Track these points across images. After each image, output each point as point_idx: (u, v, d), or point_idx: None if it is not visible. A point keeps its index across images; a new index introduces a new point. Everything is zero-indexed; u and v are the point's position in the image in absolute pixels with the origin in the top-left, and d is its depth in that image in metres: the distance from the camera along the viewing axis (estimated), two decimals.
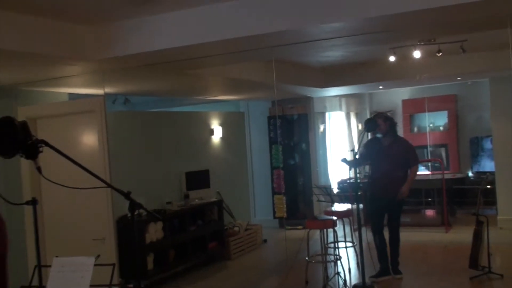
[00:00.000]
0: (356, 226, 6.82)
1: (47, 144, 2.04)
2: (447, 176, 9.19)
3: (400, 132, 11.02)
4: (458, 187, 9.76)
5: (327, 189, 7.14)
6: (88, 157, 5.12)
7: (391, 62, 7.25)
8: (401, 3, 3.60)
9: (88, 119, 5.36)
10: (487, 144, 10.15)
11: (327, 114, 11.01)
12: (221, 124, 8.88)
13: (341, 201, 7.24)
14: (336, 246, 6.46)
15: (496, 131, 8.95)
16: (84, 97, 6.68)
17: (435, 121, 11.20)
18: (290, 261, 6.72)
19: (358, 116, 11.97)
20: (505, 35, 4.71)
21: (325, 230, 6.22)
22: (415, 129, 11.38)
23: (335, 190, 9.36)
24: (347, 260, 6.73)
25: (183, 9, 4.28)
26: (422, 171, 10.72)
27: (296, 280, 6.38)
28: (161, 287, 6.59)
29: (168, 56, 4.79)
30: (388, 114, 11.13)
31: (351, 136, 11.69)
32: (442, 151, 10.98)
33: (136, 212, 2.40)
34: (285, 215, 9.57)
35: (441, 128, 11.17)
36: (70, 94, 6.69)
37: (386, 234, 6.18)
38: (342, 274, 6.06)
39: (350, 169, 5.74)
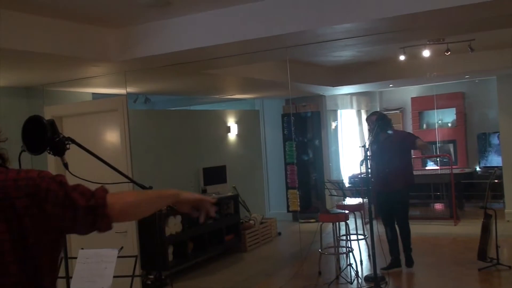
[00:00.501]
0: (367, 219, 6.99)
1: (73, 141, 2.06)
2: (456, 171, 9.31)
3: (409, 128, 11.20)
4: (466, 181, 9.88)
5: (339, 183, 7.31)
6: (110, 154, 5.24)
7: (401, 61, 7.39)
8: (411, 4, 3.68)
9: (111, 118, 5.49)
10: (495, 140, 10.28)
11: (338, 111, 11.16)
12: (237, 122, 9.09)
13: (353, 195, 7.39)
14: (348, 238, 6.61)
15: (503, 127, 9.07)
16: (107, 97, 6.88)
17: (444, 118, 11.33)
18: (304, 253, 6.90)
19: (369, 114, 12.10)
20: None
21: (337, 223, 6.41)
22: (424, 126, 11.52)
23: (347, 185, 9.52)
24: (358, 252, 6.89)
25: (200, 12, 4.42)
26: (431, 166, 10.88)
27: (309, 271, 6.55)
28: (180, 278, 6.81)
29: (186, 57, 4.92)
30: (398, 111, 11.36)
31: (362, 133, 11.85)
32: (451, 147, 11.10)
33: None
34: (298, 208, 9.77)
35: (450, 124, 11.30)
36: (93, 93, 6.91)
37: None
38: (354, 266, 6.20)
39: (361, 164, 5.81)
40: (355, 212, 7.09)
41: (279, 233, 9.13)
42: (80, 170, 2.16)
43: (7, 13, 3.86)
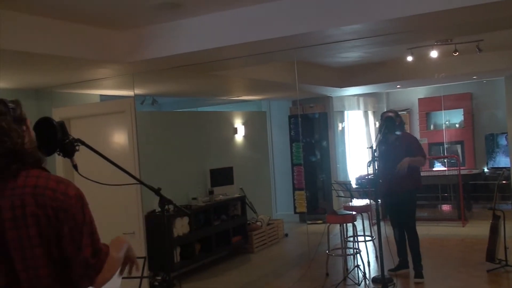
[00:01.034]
0: (374, 221, 6.97)
1: (83, 143, 2.07)
2: (463, 172, 9.28)
3: (417, 129, 11.17)
4: (474, 182, 9.85)
5: (347, 184, 7.30)
6: (118, 155, 5.20)
7: (409, 61, 7.37)
8: (419, 5, 3.68)
9: (118, 119, 5.48)
10: (502, 141, 10.24)
11: (345, 112, 11.16)
12: (244, 123, 9.10)
13: (360, 196, 7.38)
14: (356, 240, 6.61)
15: (511, 128, 9.02)
16: (114, 99, 6.91)
17: (451, 118, 11.29)
18: (311, 254, 6.90)
19: (376, 115, 12.11)
20: None
21: (344, 224, 6.41)
22: (431, 127, 11.49)
23: (354, 186, 9.51)
24: (366, 253, 6.88)
25: (207, 14, 4.43)
26: (439, 167, 10.84)
27: (317, 272, 6.55)
28: (187, 279, 6.82)
29: (194, 58, 4.94)
30: (405, 112, 11.32)
31: (369, 134, 11.84)
32: (458, 148, 11.07)
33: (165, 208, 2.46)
34: (305, 210, 9.77)
35: (457, 125, 11.27)
36: (101, 95, 6.95)
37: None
38: (361, 267, 6.18)
39: (369, 166, 5.76)
40: (362, 214, 7.08)
41: (286, 235, 9.14)
42: (88, 172, 2.17)
43: (16, 16, 3.89)
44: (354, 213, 6.43)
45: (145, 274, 3.93)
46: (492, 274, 5.98)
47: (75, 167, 2.09)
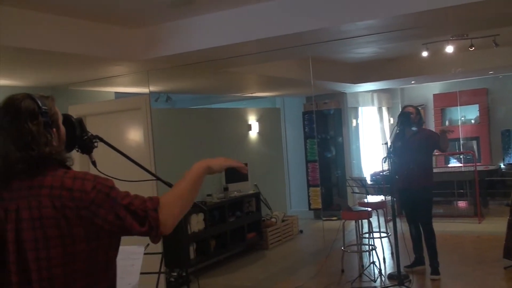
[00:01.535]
0: (389, 217, 6.94)
1: (101, 139, 2.07)
2: (479, 168, 9.20)
3: (432, 125, 11.08)
4: (490, 178, 9.74)
5: (362, 181, 7.27)
6: (134, 152, 5.15)
7: (424, 57, 7.33)
8: (434, 0, 3.66)
9: (134, 116, 5.52)
10: None
11: (359, 109, 11.12)
12: (258, 120, 9.11)
13: (375, 192, 7.35)
14: (371, 236, 6.60)
15: None
16: (129, 96, 6.96)
17: (467, 114, 11.19)
18: (327, 251, 6.90)
19: (390, 111, 12.05)
20: None
21: (360, 220, 6.40)
22: (447, 123, 11.40)
23: (368, 182, 9.47)
24: (381, 250, 6.85)
25: (221, 11, 4.45)
26: (454, 163, 10.76)
27: (332, 268, 6.54)
28: (202, 275, 6.83)
29: (208, 55, 4.96)
30: (420, 108, 11.24)
31: (384, 130, 11.78)
32: (474, 144, 10.96)
33: None
34: (320, 206, 9.77)
35: (473, 121, 11.17)
36: (116, 93, 7.01)
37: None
38: (377, 264, 6.17)
39: (384, 162, 5.73)
40: (377, 210, 7.06)
41: (301, 231, 9.14)
42: (105, 168, 2.13)
43: (33, 14, 3.93)
44: (369, 209, 6.41)
45: (161, 270, 3.97)
46: (509, 271, 5.91)
47: (93, 163, 2.09)
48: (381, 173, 9.44)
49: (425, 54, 7.11)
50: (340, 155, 10.11)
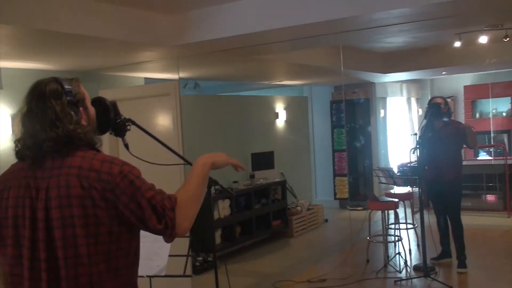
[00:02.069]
0: (416, 209, 6.88)
1: (133, 122, 2.09)
2: (510, 161, 9.04)
3: (462, 117, 10.91)
4: None
5: (389, 171, 7.23)
6: (162, 137, 5.17)
7: (456, 47, 7.20)
8: None
9: (163, 102, 5.54)
10: None
11: (388, 99, 11.01)
12: (285, 108, 9.10)
13: (403, 183, 7.29)
14: (397, 227, 6.57)
15: None
16: (158, 82, 7.01)
17: (498, 107, 10.96)
18: (352, 240, 6.88)
19: (419, 102, 11.90)
20: None
21: (386, 211, 6.36)
22: (477, 115, 11.20)
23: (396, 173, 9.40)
24: (407, 241, 6.81)
25: None
26: (484, 156, 10.59)
27: (357, 258, 6.54)
28: (228, 260, 6.90)
29: (238, 42, 4.94)
30: (450, 99, 11.07)
31: (412, 121, 11.66)
32: (505, 137, 10.75)
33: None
34: (347, 196, 9.74)
35: (504, 114, 10.94)
36: (146, 78, 7.06)
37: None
38: (402, 255, 6.15)
39: (412, 153, 5.67)
40: (404, 201, 7.01)
41: (326, 220, 9.13)
42: (134, 152, 2.17)
43: None
44: (396, 200, 6.37)
45: (188, 255, 4.02)
46: None
47: (126, 146, 2.12)
48: (409, 164, 9.38)
49: (457, 44, 6.97)
50: (368, 145, 10.05)
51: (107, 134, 2.05)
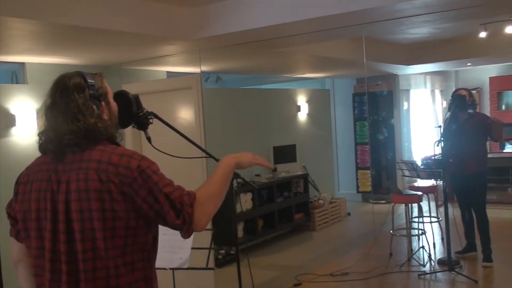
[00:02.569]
0: (440, 202, 6.80)
1: (156, 116, 2.12)
2: None
3: (487, 109, 10.74)
4: None
5: (413, 164, 7.15)
6: (185, 131, 5.16)
7: (482, 38, 7.07)
8: None
9: (185, 96, 5.54)
10: None
11: (411, 91, 10.89)
12: (307, 101, 9.06)
13: (427, 176, 7.20)
14: (421, 220, 6.49)
15: None
16: (181, 75, 7.03)
17: None
18: (375, 234, 6.84)
19: (443, 94, 11.74)
20: None
21: (410, 204, 6.30)
22: (503, 107, 11.01)
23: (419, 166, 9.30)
24: (431, 235, 6.74)
25: None
26: (510, 149, 10.40)
27: (380, 252, 6.49)
28: (249, 253, 6.91)
29: (259, 34, 4.93)
30: (475, 91, 10.90)
31: (436, 113, 11.51)
32: None
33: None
34: (370, 189, 9.68)
35: None
36: (168, 72, 7.09)
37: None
38: (426, 248, 6.09)
39: (437, 145, 5.59)
40: (428, 194, 6.93)
41: (349, 214, 9.09)
42: (157, 145, 2.19)
43: None
44: (420, 193, 6.30)
45: (211, 248, 4.04)
46: None
47: (148, 139, 2.14)
48: (433, 157, 9.27)
49: (483, 35, 6.85)
50: (391, 138, 9.96)
51: (130, 127, 2.07)
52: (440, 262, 5.92)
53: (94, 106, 1.77)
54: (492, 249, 5.80)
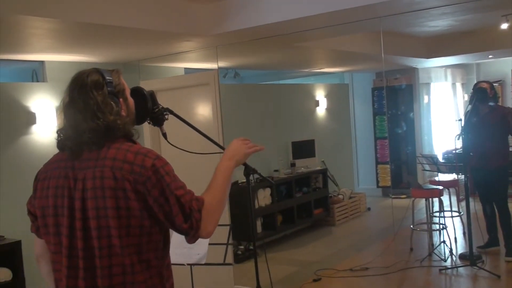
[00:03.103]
0: (462, 196, 6.71)
1: (171, 112, 2.12)
2: None
3: (509, 103, 10.56)
4: None
5: (433, 158, 7.08)
6: (202, 127, 5.12)
7: (503, 29, 6.94)
8: None
9: (202, 92, 5.56)
10: None
11: (432, 84, 10.76)
12: (326, 96, 9.02)
13: (448, 170, 7.12)
14: (442, 215, 6.43)
15: None
16: (198, 72, 7.06)
17: None
18: (395, 229, 6.79)
19: (465, 87, 11.58)
20: None
21: (430, 199, 6.24)
22: None
23: (440, 160, 9.21)
24: (453, 229, 6.67)
25: None
26: None
27: (400, 246, 6.44)
28: (268, 249, 6.92)
29: (276, 29, 4.90)
30: (497, 84, 10.72)
31: (457, 106, 11.36)
32: None
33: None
34: (389, 184, 9.61)
35: None
36: (185, 68, 7.12)
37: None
38: (447, 243, 6.04)
39: (457, 139, 5.52)
40: (449, 189, 6.85)
41: (369, 209, 9.04)
42: (173, 141, 2.20)
43: None
44: (441, 187, 6.23)
45: (229, 242, 4.05)
46: None
47: (164, 135, 2.14)
48: (454, 151, 9.15)
49: (504, 26, 6.72)
50: (411, 132, 9.86)
51: (147, 124, 2.08)
52: (462, 257, 5.86)
53: (113, 103, 1.77)
54: None
